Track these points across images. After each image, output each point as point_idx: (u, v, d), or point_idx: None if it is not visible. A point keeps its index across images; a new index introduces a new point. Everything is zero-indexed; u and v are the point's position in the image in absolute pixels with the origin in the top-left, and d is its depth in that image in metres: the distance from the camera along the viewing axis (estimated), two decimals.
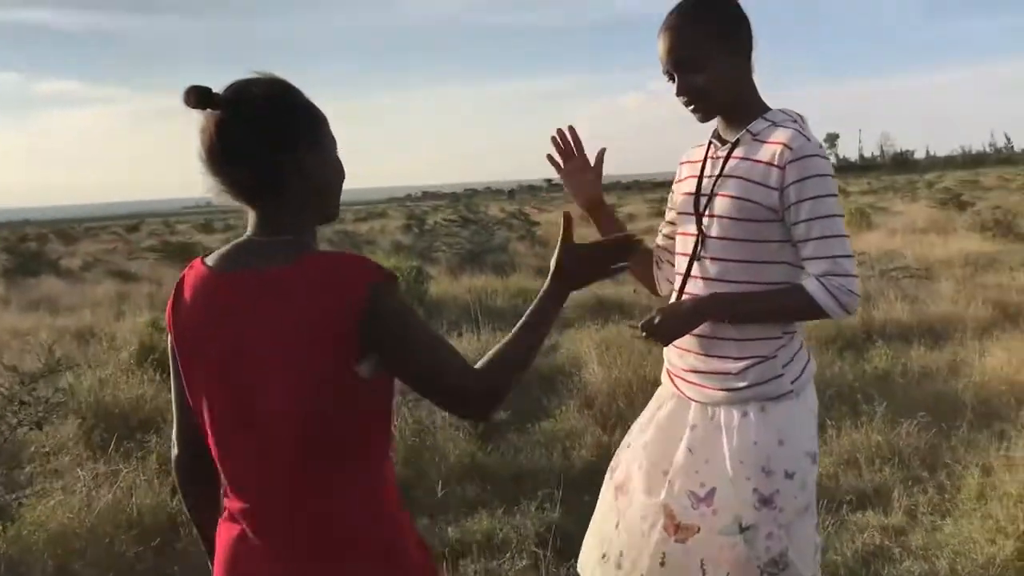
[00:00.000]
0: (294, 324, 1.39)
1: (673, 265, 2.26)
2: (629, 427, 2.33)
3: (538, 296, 1.59)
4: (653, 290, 2.43)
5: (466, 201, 75.45)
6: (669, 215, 2.39)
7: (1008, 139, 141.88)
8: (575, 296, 7.39)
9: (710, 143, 2.17)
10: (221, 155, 1.45)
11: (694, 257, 2.10)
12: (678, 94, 2.08)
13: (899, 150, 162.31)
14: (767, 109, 2.10)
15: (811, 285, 1.95)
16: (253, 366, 1.42)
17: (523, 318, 1.53)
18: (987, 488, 3.78)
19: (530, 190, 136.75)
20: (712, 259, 2.07)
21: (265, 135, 1.44)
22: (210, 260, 1.52)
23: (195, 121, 1.46)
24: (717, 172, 2.08)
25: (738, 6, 2.08)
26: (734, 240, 2.03)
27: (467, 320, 8.59)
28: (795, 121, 2.06)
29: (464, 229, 16.85)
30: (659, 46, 2.07)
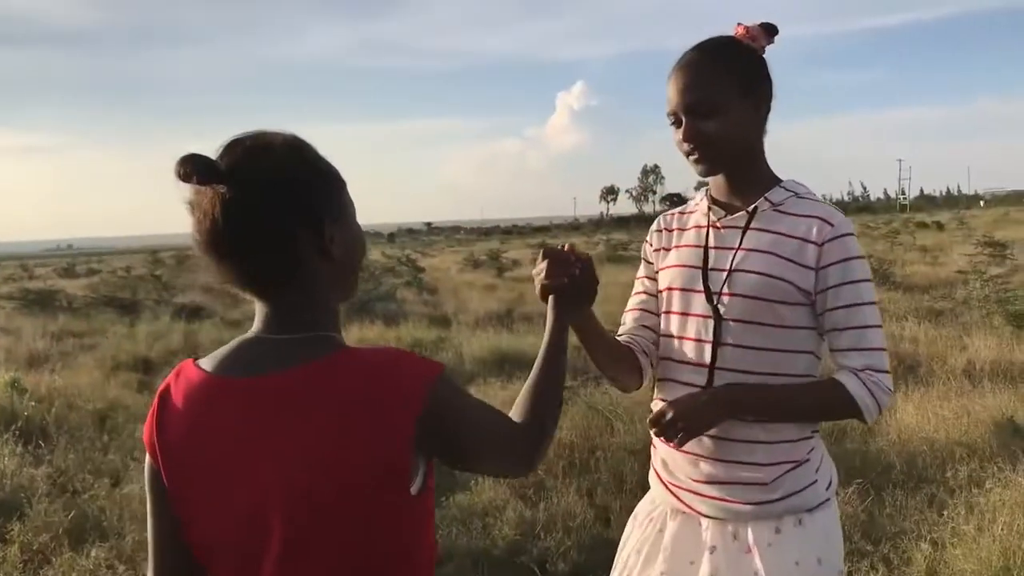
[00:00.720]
0: (332, 441, 1.11)
1: (657, 347, 1.95)
2: (551, 497, 1.98)
3: (548, 330, 1.55)
4: (627, 385, 2.02)
5: None
6: (640, 291, 2.05)
7: (864, 187, 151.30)
8: (473, 350, 7.12)
9: (709, 209, 1.89)
10: (229, 242, 1.15)
11: (717, 343, 1.80)
12: (684, 139, 1.79)
13: None
14: (777, 178, 1.86)
15: (851, 382, 1.70)
16: (276, 493, 1.12)
17: (541, 354, 1.47)
18: (938, 564, 3.62)
19: (410, 233, 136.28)
20: (727, 345, 1.79)
21: (284, 215, 1.17)
22: (206, 364, 1.22)
23: (182, 193, 1.16)
24: (734, 244, 1.81)
25: (764, 61, 1.84)
26: (758, 324, 1.76)
27: None
28: (813, 195, 1.85)
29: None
30: (670, 85, 1.80)
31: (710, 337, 1.81)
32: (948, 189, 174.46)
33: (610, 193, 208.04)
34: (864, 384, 1.69)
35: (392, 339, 10.83)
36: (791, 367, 1.76)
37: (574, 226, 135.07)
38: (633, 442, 5.31)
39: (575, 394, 6.23)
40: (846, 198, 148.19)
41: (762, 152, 1.86)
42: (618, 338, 2.09)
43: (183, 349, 10.70)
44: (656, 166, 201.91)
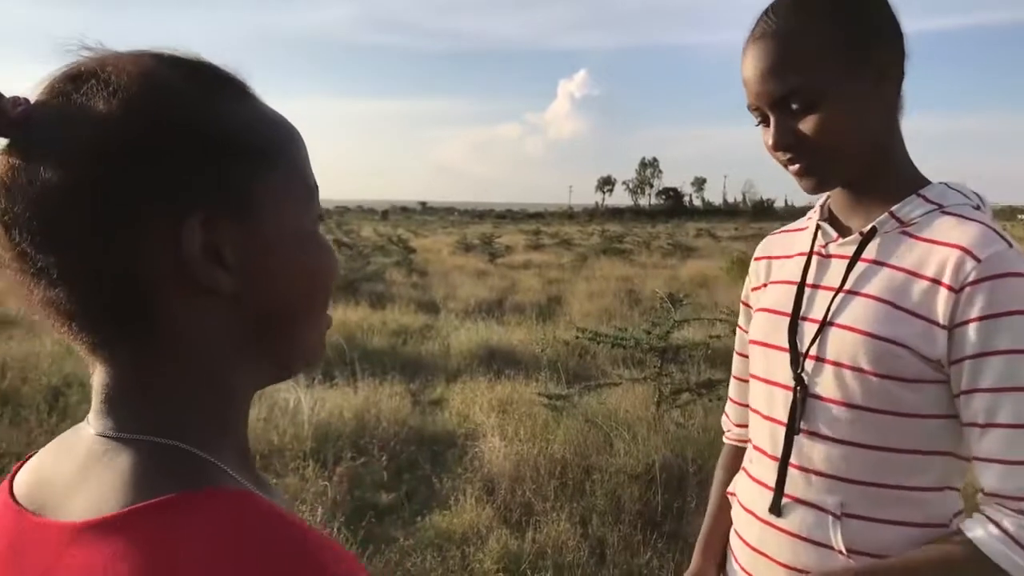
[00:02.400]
0: None
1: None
2: (539, 525, 1.53)
3: None
4: None
5: (338, 219, 73.86)
6: (739, 350, 1.55)
7: None
8: (463, 343, 6.59)
9: (817, 228, 1.33)
10: (16, 250, 0.61)
11: (792, 429, 1.25)
12: (775, 147, 1.22)
13: (761, 198, 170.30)
14: (923, 180, 1.27)
15: (980, 531, 1.12)
16: None
17: None
18: None
19: (403, 211, 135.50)
20: (809, 435, 1.23)
21: (114, 202, 0.59)
22: (20, 482, 0.67)
23: None
24: (835, 283, 1.25)
25: (884, 4, 1.22)
26: (858, 408, 1.19)
27: (341, 365, 7.55)
28: (977, 207, 1.24)
29: (337, 252, 15.70)
30: (745, 67, 1.22)
31: (785, 418, 1.26)
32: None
33: (607, 184, 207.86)
34: (1008, 535, 1.10)
35: (377, 323, 10.28)
36: (912, 476, 1.19)
37: (569, 215, 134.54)
38: (634, 464, 4.77)
39: (570, 403, 5.68)
40: None
41: (896, 145, 1.26)
42: (726, 439, 1.60)
43: None
44: (654, 159, 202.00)
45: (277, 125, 0.68)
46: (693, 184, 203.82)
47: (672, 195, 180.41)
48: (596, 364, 7.94)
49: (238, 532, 0.55)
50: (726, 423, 1.60)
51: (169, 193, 0.60)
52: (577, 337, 6.25)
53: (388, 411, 5.97)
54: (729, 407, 1.59)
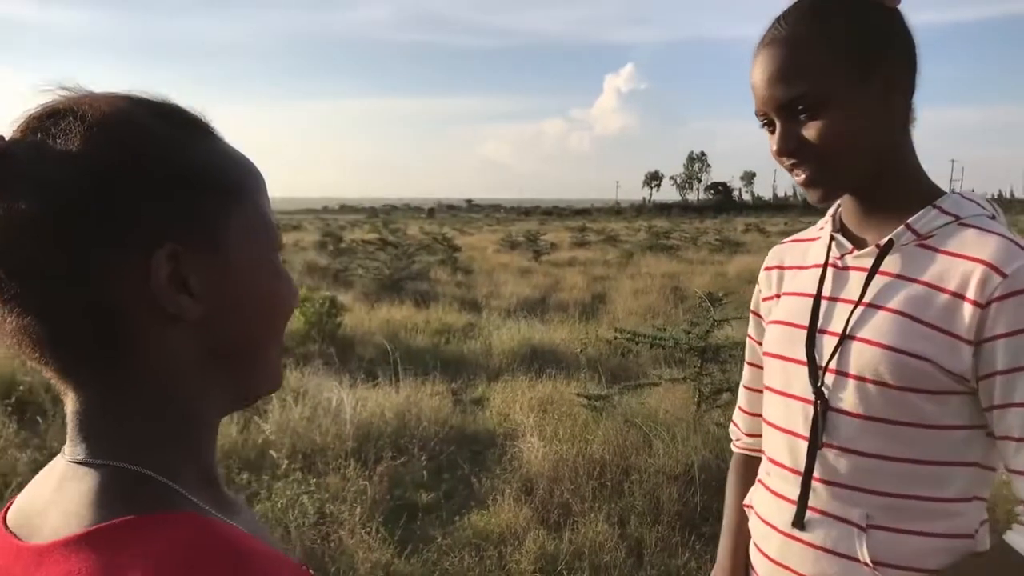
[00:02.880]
0: None
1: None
2: (577, 525, 1.54)
3: None
4: None
5: (384, 217, 74.45)
6: (750, 360, 1.55)
7: None
8: (504, 342, 6.59)
9: (831, 239, 1.32)
10: None
11: (815, 444, 1.24)
12: (780, 153, 1.22)
13: None
14: (937, 191, 1.26)
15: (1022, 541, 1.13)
16: None
17: None
18: None
19: (449, 209, 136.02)
20: (833, 449, 1.23)
21: (84, 233, 0.62)
22: (13, 509, 0.70)
23: None
24: (853, 295, 1.24)
25: (896, 15, 1.21)
26: (881, 422, 1.18)
27: (384, 363, 7.62)
28: (993, 217, 1.22)
29: (382, 252, 15.83)
30: (755, 70, 1.22)
31: (807, 433, 1.26)
32: (1000, 192, 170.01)
33: (654, 179, 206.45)
34: None
35: (421, 322, 10.36)
36: (938, 488, 1.18)
37: (616, 211, 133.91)
38: (673, 465, 4.75)
39: (610, 403, 5.67)
40: None
41: (909, 155, 1.26)
42: (735, 447, 1.61)
43: None
44: (702, 153, 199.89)
45: (240, 163, 0.72)
46: (742, 178, 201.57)
47: (720, 190, 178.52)
48: (638, 363, 7.91)
49: (185, 555, 0.57)
50: (735, 432, 1.60)
51: (141, 226, 0.63)
52: (616, 338, 6.23)
53: (429, 410, 6.02)
54: (739, 416, 1.59)
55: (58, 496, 0.64)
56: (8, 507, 0.71)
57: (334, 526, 4.10)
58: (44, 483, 0.68)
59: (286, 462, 4.77)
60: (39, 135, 0.63)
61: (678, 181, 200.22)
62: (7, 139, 0.63)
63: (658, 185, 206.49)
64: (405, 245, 17.09)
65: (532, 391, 6.64)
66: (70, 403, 0.67)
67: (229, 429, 5.29)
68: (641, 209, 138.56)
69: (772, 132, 1.23)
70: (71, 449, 0.66)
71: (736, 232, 38.04)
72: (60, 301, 0.63)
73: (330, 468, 4.94)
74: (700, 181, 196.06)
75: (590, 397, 5.69)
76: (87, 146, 0.62)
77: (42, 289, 0.62)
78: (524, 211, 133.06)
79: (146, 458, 0.64)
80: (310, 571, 0.65)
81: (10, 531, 0.66)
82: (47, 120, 0.64)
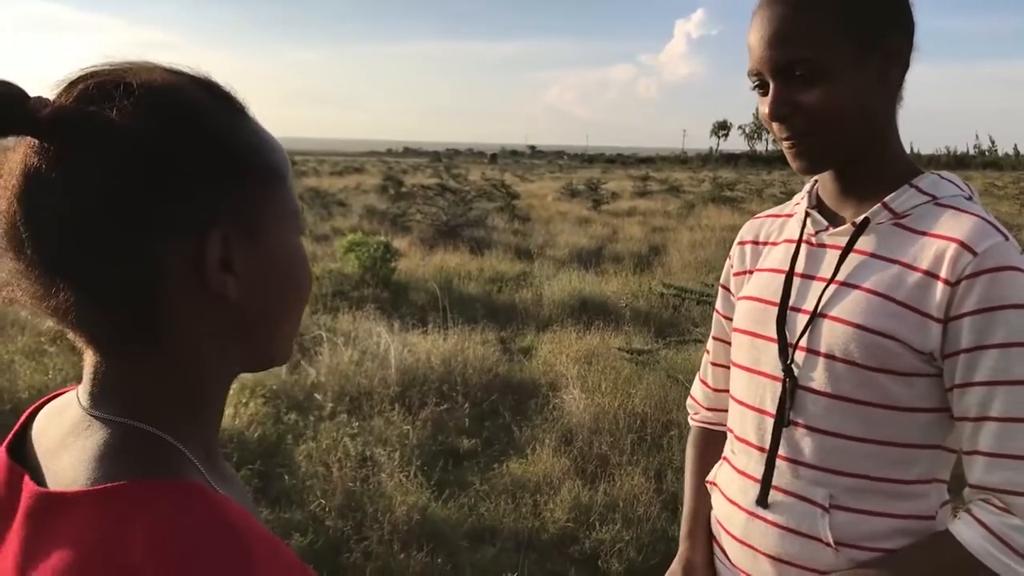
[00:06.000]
0: None
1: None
2: (613, 477, 1.57)
3: None
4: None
5: (447, 162, 74.46)
6: (716, 335, 1.54)
7: (992, 142, 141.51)
8: (555, 292, 6.61)
9: (807, 215, 1.31)
10: (32, 247, 0.64)
11: (781, 422, 1.24)
12: (771, 116, 1.21)
13: None
14: (915, 171, 1.24)
15: (968, 532, 1.11)
16: None
17: None
18: None
19: (512, 155, 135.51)
20: (799, 427, 1.22)
21: (133, 211, 0.63)
22: (33, 430, 0.75)
23: None
24: (826, 273, 1.23)
25: None
26: (849, 401, 1.18)
27: (435, 309, 7.72)
28: (969, 198, 1.21)
29: (441, 198, 15.88)
30: (753, 30, 1.20)
31: (774, 410, 1.25)
32: None
33: (722, 128, 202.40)
34: (992, 533, 1.08)
35: (475, 269, 10.43)
36: (901, 469, 1.18)
37: (681, 160, 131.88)
38: None
39: (653, 358, 5.66)
40: (972, 151, 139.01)
41: (892, 134, 1.24)
42: (693, 420, 1.60)
43: None
44: None
45: (275, 146, 0.74)
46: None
47: None
48: (690, 317, 7.87)
49: (185, 523, 0.59)
50: (693, 406, 1.60)
51: (195, 209, 0.65)
52: (662, 293, 6.20)
53: (475, 358, 6.08)
54: (699, 390, 1.58)
55: (73, 442, 0.67)
56: (16, 430, 0.75)
57: (374, 468, 4.21)
58: (57, 422, 0.71)
59: (331, 404, 4.89)
60: (91, 105, 0.63)
61: (747, 131, 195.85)
62: (53, 104, 0.64)
63: (726, 135, 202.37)
64: (464, 191, 17.12)
65: (580, 343, 6.67)
66: (91, 357, 0.69)
67: (279, 370, 5.44)
68: (707, 159, 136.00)
69: (763, 94, 1.22)
70: (88, 399, 0.69)
71: (803, 185, 37.08)
72: (108, 276, 0.64)
73: (375, 411, 5.06)
74: (769, 132, 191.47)
75: (632, 351, 5.69)
76: (146, 124, 0.63)
77: (91, 265, 0.64)
78: (588, 159, 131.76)
79: (162, 421, 0.67)
80: (297, 558, 0.67)
81: (18, 461, 0.70)
82: (97, 90, 0.64)
